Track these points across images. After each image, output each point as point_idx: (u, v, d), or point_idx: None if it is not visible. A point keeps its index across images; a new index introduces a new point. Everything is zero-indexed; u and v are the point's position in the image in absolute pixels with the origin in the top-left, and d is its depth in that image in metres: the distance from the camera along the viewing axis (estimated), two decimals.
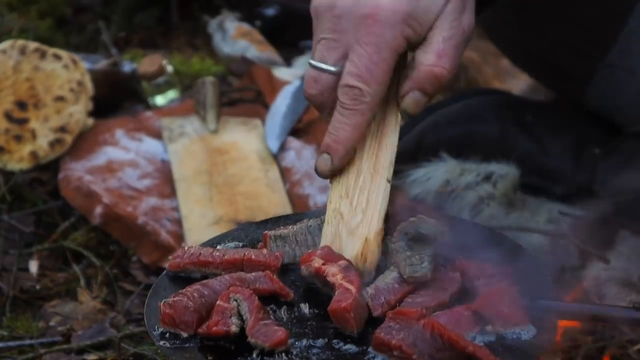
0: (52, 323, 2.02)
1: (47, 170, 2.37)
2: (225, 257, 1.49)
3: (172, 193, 2.29)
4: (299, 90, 2.57)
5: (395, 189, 2.24)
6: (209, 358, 1.35)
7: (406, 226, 1.45)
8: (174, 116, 2.52)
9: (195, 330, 1.37)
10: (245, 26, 2.96)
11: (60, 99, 2.41)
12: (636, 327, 1.78)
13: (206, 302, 1.39)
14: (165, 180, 2.33)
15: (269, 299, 1.43)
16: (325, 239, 1.47)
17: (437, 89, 1.47)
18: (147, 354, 1.89)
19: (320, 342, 1.36)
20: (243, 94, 2.71)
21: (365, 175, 1.48)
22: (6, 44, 2.47)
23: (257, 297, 1.38)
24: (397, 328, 1.32)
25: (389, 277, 1.43)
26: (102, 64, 2.63)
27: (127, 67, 2.66)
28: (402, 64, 1.48)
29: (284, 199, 2.27)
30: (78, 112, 2.41)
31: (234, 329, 1.36)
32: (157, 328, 1.39)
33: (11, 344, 1.95)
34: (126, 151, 2.38)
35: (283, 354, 1.33)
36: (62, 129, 2.37)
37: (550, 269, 1.53)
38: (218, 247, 1.55)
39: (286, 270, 1.51)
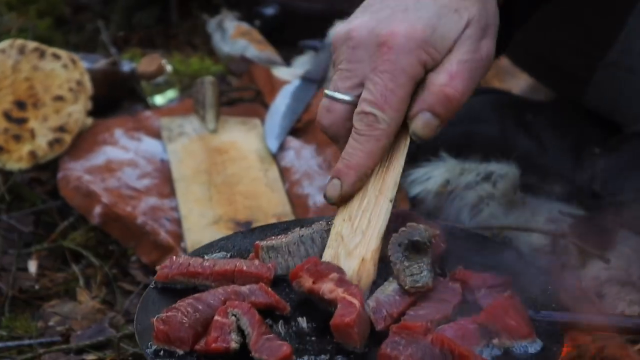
0: (51, 323, 2.02)
1: (46, 170, 2.37)
2: (216, 268, 1.45)
3: (171, 193, 2.28)
4: (299, 90, 2.57)
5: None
6: None
7: (398, 237, 1.44)
8: (173, 116, 2.52)
9: (191, 347, 1.33)
10: (245, 25, 2.95)
11: (59, 98, 2.41)
12: None
13: (201, 317, 1.35)
14: (164, 180, 2.32)
15: (264, 313, 1.39)
16: (325, 259, 1.45)
17: (449, 111, 1.43)
18: None
19: (322, 358, 1.33)
20: (242, 94, 2.71)
21: (370, 198, 1.46)
22: (5, 44, 2.47)
23: (257, 311, 1.35)
24: (403, 343, 1.29)
25: (389, 288, 1.41)
26: (101, 63, 2.63)
27: (126, 66, 2.65)
28: (415, 90, 1.46)
29: (284, 199, 2.26)
30: (77, 112, 2.41)
31: (234, 345, 1.32)
32: (151, 345, 1.34)
33: (10, 344, 1.94)
34: (125, 151, 2.38)
35: None
36: (61, 129, 2.37)
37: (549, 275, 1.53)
38: (205, 257, 1.52)
39: (278, 281, 1.47)
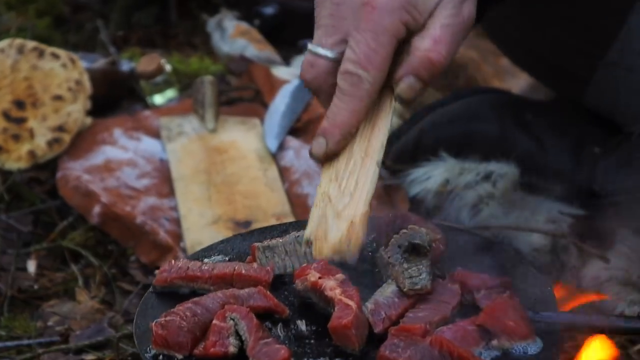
0: (50, 323, 2.02)
1: (45, 170, 2.37)
2: (214, 271, 1.45)
3: (170, 192, 2.28)
4: (298, 90, 2.56)
5: (395, 189, 2.25)
6: None
7: (399, 238, 1.43)
8: (172, 115, 2.52)
9: (190, 352, 1.32)
10: (244, 25, 2.95)
11: (58, 98, 2.40)
12: None
13: (199, 322, 1.35)
14: (163, 179, 2.32)
15: (263, 316, 1.39)
16: (312, 222, 1.44)
17: (433, 75, 1.46)
18: None
19: None
20: (242, 93, 2.71)
21: (356, 159, 1.46)
22: (4, 43, 2.47)
23: (254, 316, 1.35)
24: (402, 346, 1.29)
25: (388, 290, 1.41)
26: (101, 62, 2.62)
27: (125, 66, 2.65)
28: (400, 52, 1.47)
29: (283, 198, 2.26)
30: (76, 111, 2.40)
31: (232, 349, 1.32)
32: (150, 350, 1.34)
33: (9, 343, 1.94)
34: (124, 150, 2.38)
35: None
36: (60, 128, 2.37)
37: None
38: (204, 260, 1.52)
39: (277, 283, 1.47)
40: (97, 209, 2.21)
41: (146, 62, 2.67)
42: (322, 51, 1.47)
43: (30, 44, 2.47)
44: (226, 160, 2.37)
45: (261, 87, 2.68)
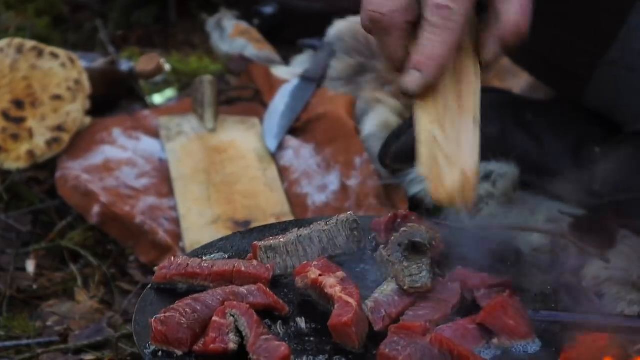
0: (49, 323, 2.01)
1: (44, 169, 2.37)
2: (214, 268, 1.45)
3: (169, 192, 2.28)
4: (297, 89, 2.56)
5: (394, 189, 2.25)
6: None
7: (399, 237, 1.43)
8: (171, 115, 2.52)
9: (189, 348, 1.33)
10: (244, 24, 2.95)
11: (57, 97, 2.40)
12: None
13: (199, 318, 1.35)
14: (163, 179, 2.32)
15: (263, 313, 1.38)
16: (423, 158, 1.41)
17: (516, 42, 1.44)
18: None
19: (321, 358, 1.33)
20: (241, 93, 2.71)
21: (452, 112, 1.43)
22: (3, 43, 2.47)
23: (255, 312, 1.35)
24: (402, 344, 1.29)
25: (388, 289, 1.41)
26: (100, 62, 2.62)
27: (124, 65, 2.65)
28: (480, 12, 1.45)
29: (282, 198, 2.26)
30: (75, 111, 2.40)
31: (232, 346, 1.32)
32: (149, 346, 1.34)
33: (8, 343, 1.94)
34: (124, 150, 2.38)
35: None
36: (59, 128, 2.36)
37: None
38: (204, 258, 1.51)
39: (277, 282, 1.47)
40: (96, 209, 2.21)
41: (145, 62, 2.67)
42: None
43: (29, 43, 2.47)
44: (225, 160, 2.37)
45: (260, 86, 2.68)
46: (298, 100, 2.52)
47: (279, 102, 2.52)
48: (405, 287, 1.39)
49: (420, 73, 1.41)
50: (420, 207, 2.17)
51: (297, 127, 2.48)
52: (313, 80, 2.60)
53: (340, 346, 1.34)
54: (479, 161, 1.41)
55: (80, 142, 2.39)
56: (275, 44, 2.89)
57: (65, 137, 2.36)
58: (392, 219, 1.57)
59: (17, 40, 2.47)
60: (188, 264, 1.46)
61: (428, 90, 1.42)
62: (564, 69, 2.14)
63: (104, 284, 2.12)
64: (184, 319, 1.33)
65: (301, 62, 2.77)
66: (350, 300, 1.35)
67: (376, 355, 1.30)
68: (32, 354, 1.91)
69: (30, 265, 2.16)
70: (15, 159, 2.33)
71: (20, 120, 2.37)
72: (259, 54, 2.83)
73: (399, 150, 2.25)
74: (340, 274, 1.41)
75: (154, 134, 2.45)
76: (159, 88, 2.71)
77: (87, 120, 2.44)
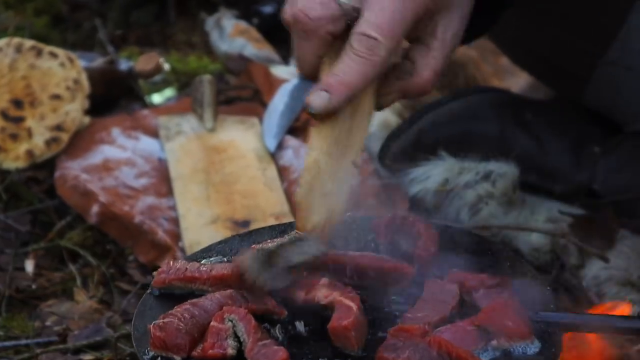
0: (48, 323, 2.01)
1: (43, 169, 2.36)
2: (213, 272, 1.44)
3: (169, 192, 2.28)
4: (297, 89, 2.56)
5: (394, 188, 2.25)
6: None
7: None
8: (171, 114, 2.51)
9: (188, 354, 1.32)
10: (243, 24, 2.94)
11: (56, 97, 2.40)
12: None
13: (198, 323, 1.35)
14: (162, 179, 2.32)
15: (261, 318, 1.38)
16: (303, 187, 1.41)
17: (417, 97, 1.48)
18: None
19: None
20: (240, 92, 2.70)
21: (340, 147, 1.43)
22: (2, 42, 2.46)
23: (253, 317, 1.34)
24: (400, 346, 1.29)
25: None
26: (99, 62, 2.62)
27: (123, 65, 2.65)
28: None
29: (282, 198, 2.25)
30: (74, 111, 2.40)
31: (230, 351, 1.31)
32: (148, 352, 1.34)
33: (7, 343, 1.94)
34: (123, 150, 2.37)
35: None
36: (58, 128, 2.36)
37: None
38: (202, 261, 1.51)
39: None
40: (95, 209, 2.21)
41: (144, 61, 2.66)
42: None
43: (28, 42, 2.46)
44: (225, 159, 2.37)
45: (260, 86, 2.68)
46: (297, 99, 2.52)
47: (279, 102, 2.52)
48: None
49: (329, 97, 1.40)
50: (420, 207, 2.17)
51: (296, 127, 2.47)
52: (312, 80, 2.59)
53: (340, 350, 1.34)
54: (345, 206, 1.42)
55: (79, 141, 2.38)
56: (274, 44, 2.89)
57: (64, 137, 2.36)
58: (391, 219, 1.56)
59: (16, 40, 2.47)
60: (187, 269, 1.45)
61: (329, 116, 1.42)
62: (564, 69, 2.14)
63: (103, 284, 2.11)
64: (182, 325, 1.33)
65: None
66: (351, 303, 1.35)
67: (375, 358, 1.30)
68: (30, 354, 1.90)
69: (29, 265, 2.16)
70: (14, 159, 2.33)
71: (19, 120, 2.36)
72: (259, 54, 2.82)
73: (399, 150, 2.25)
74: (324, 280, 1.40)
75: (153, 133, 2.45)
76: (158, 87, 2.70)
77: (86, 119, 2.43)
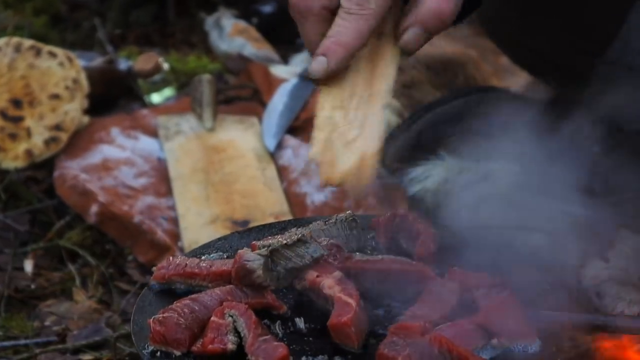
0: (47, 323, 2.01)
1: (42, 169, 2.36)
2: (213, 268, 1.44)
3: (168, 191, 2.27)
4: (296, 88, 2.56)
5: (394, 188, 2.25)
6: None
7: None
8: (170, 114, 2.51)
9: (188, 349, 1.32)
10: (242, 23, 2.94)
11: (55, 96, 2.39)
12: None
13: (197, 318, 1.34)
14: (161, 178, 2.31)
15: (261, 313, 1.38)
16: (317, 143, 1.40)
17: (439, 27, 1.41)
18: None
19: (320, 358, 1.32)
20: (240, 92, 2.70)
21: (361, 96, 1.42)
22: (1, 42, 2.46)
23: (253, 313, 1.34)
24: (401, 343, 1.28)
25: None
26: (98, 61, 2.62)
27: (123, 64, 2.64)
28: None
29: (281, 198, 2.25)
30: (73, 110, 2.39)
31: (230, 346, 1.31)
32: (147, 347, 1.33)
33: (6, 343, 1.93)
34: (122, 149, 2.37)
35: None
36: (58, 127, 2.36)
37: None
38: (202, 257, 1.51)
39: None
40: (94, 208, 2.21)
41: (144, 61, 2.66)
42: None
43: (28, 42, 2.46)
44: (224, 159, 2.37)
45: (259, 85, 2.67)
46: (297, 99, 2.52)
47: (278, 101, 2.52)
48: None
49: (327, 60, 1.39)
50: (420, 206, 2.17)
51: (296, 126, 2.47)
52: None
53: (339, 346, 1.34)
54: (383, 135, 1.39)
55: (78, 141, 2.38)
56: (274, 43, 2.89)
57: (64, 137, 2.36)
58: (391, 218, 1.56)
59: (15, 39, 2.46)
60: (186, 264, 1.45)
61: (335, 77, 1.41)
62: (564, 69, 2.14)
63: (102, 284, 2.11)
64: (182, 320, 1.33)
65: (300, 61, 2.76)
66: (350, 300, 1.34)
67: (375, 355, 1.29)
68: (30, 354, 1.90)
69: (28, 265, 2.15)
70: (13, 159, 2.33)
71: (18, 120, 2.36)
72: (258, 53, 2.82)
73: (398, 149, 2.24)
74: (337, 273, 1.40)
75: (153, 133, 2.45)
76: (157, 87, 2.70)
77: (86, 119, 2.43)
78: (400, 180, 2.21)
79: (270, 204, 2.23)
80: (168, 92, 2.70)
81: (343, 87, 1.42)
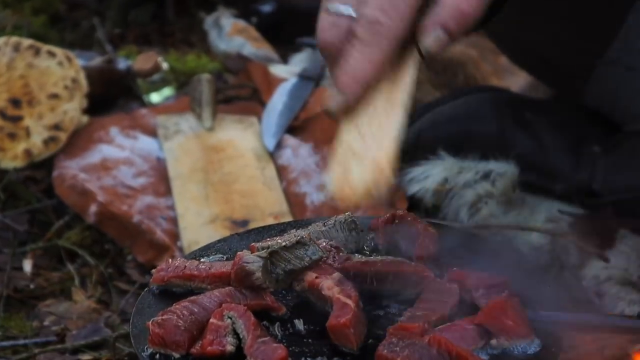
0: (46, 322, 2.01)
1: (41, 169, 2.36)
2: (212, 270, 1.44)
3: (167, 191, 2.27)
4: (296, 88, 2.55)
5: (393, 188, 2.24)
6: None
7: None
8: (169, 113, 2.51)
9: (187, 351, 1.32)
10: (241, 23, 2.94)
11: (54, 96, 2.39)
12: None
13: (196, 320, 1.34)
14: (160, 178, 2.31)
15: (260, 315, 1.38)
16: (332, 168, 1.34)
17: (462, 28, 1.34)
18: None
19: None
20: (239, 91, 2.70)
21: (378, 109, 1.36)
22: (0, 41, 2.46)
23: (252, 314, 1.34)
24: (400, 344, 1.28)
25: None
26: (97, 61, 2.62)
27: (122, 64, 2.64)
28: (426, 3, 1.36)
29: (281, 198, 2.25)
30: (72, 110, 2.39)
31: (229, 348, 1.31)
32: (146, 349, 1.33)
33: (5, 343, 1.93)
34: (121, 149, 2.37)
35: None
36: (57, 127, 2.36)
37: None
38: (201, 259, 1.51)
39: None
40: (93, 208, 2.20)
41: (143, 60, 2.66)
42: (344, 9, 1.34)
43: (26, 42, 2.46)
44: (223, 159, 2.36)
45: (259, 85, 2.67)
46: (296, 99, 2.52)
47: (277, 101, 2.52)
48: None
49: (344, 96, 1.35)
50: (419, 206, 2.17)
51: (295, 126, 2.47)
52: (311, 79, 2.59)
53: (339, 347, 1.33)
54: (401, 139, 1.35)
55: (77, 141, 2.38)
56: (273, 43, 2.89)
57: (63, 136, 2.36)
58: (390, 219, 1.56)
59: (14, 39, 2.46)
60: (186, 266, 1.45)
61: (352, 108, 1.36)
62: (564, 69, 2.14)
63: (101, 284, 2.11)
64: (181, 322, 1.33)
65: (299, 61, 2.76)
66: (348, 301, 1.34)
67: (374, 356, 1.29)
68: (29, 354, 1.90)
69: (27, 265, 2.15)
70: (12, 158, 2.32)
71: (17, 119, 2.36)
72: (257, 53, 2.82)
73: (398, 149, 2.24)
74: (337, 275, 1.40)
75: (152, 132, 2.45)
76: (156, 87, 2.70)
77: (85, 119, 2.43)
78: (400, 180, 2.21)
79: (269, 204, 2.22)
80: (167, 91, 2.70)
81: (361, 114, 1.37)
